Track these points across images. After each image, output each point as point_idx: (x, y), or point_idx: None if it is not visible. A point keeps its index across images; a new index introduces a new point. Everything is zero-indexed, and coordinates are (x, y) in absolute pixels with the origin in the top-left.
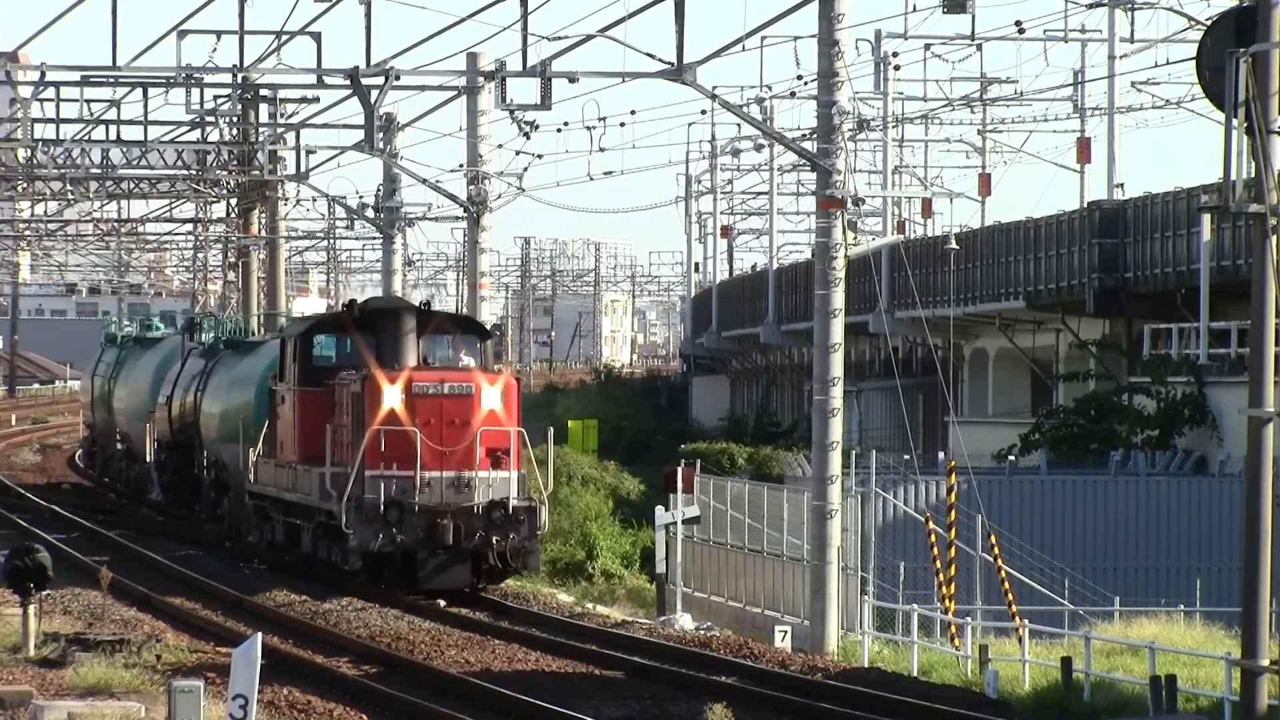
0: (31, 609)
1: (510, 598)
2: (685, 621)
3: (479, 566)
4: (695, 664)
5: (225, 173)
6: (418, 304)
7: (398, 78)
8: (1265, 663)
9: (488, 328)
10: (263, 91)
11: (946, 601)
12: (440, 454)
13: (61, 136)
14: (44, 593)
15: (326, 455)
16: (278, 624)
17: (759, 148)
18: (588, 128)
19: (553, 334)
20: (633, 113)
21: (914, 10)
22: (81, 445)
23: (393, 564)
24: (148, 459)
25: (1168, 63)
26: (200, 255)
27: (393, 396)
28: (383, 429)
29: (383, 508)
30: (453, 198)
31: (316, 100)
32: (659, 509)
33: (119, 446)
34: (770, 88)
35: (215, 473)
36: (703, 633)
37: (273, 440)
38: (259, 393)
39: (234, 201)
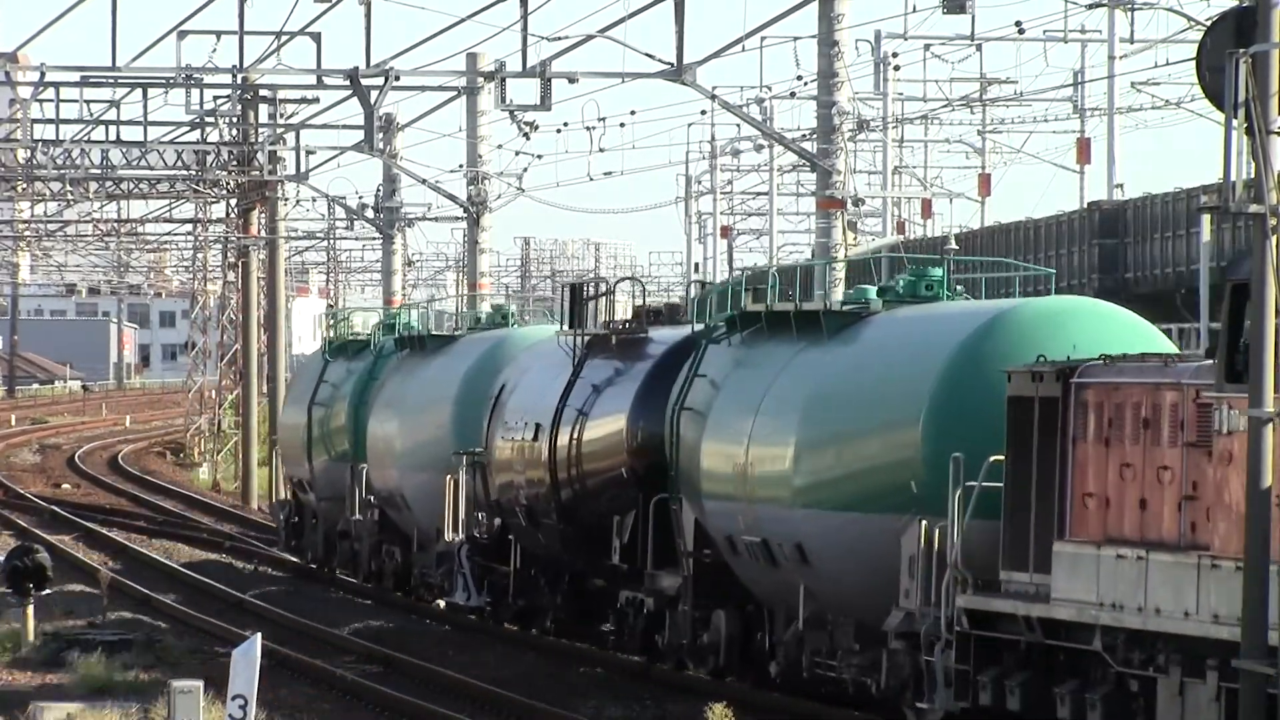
0: (31, 609)
1: None
2: None
3: None
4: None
5: (225, 173)
6: None
7: (397, 78)
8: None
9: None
10: (262, 92)
11: None
12: None
13: (61, 137)
14: (44, 593)
15: None
16: (278, 624)
17: (759, 148)
18: (587, 128)
19: None
20: (633, 113)
21: (914, 11)
22: (278, 509)
23: None
24: (447, 536)
25: (1168, 63)
26: (200, 256)
27: None
28: None
29: None
30: (453, 198)
31: (316, 101)
32: None
33: (366, 516)
34: (770, 88)
35: (707, 557)
36: None
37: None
38: (956, 400)
39: (234, 202)
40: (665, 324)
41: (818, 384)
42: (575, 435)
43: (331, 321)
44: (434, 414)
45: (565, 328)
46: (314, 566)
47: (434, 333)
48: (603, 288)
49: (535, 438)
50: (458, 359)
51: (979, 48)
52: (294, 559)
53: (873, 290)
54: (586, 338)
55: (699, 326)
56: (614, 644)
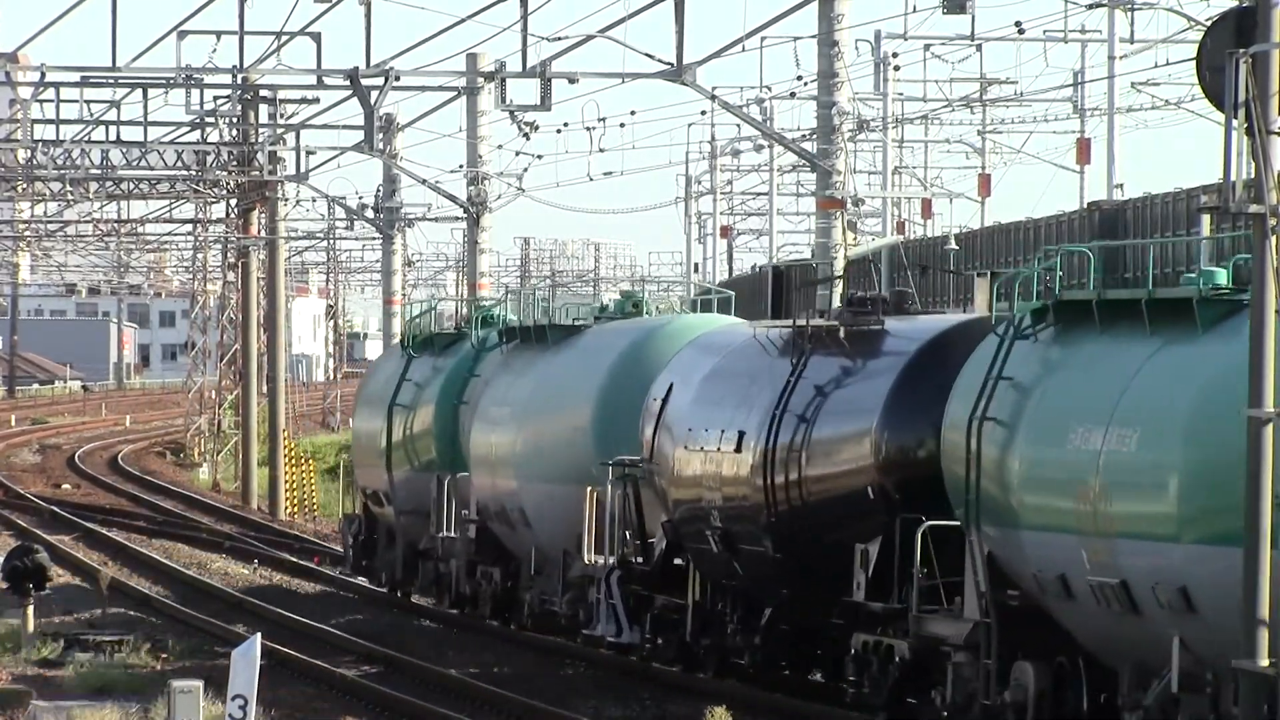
0: (31, 609)
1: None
2: None
3: None
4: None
5: (225, 173)
6: None
7: (398, 78)
8: (1264, 663)
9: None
10: (263, 92)
11: None
12: None
13: (61, 137)
14: (44, 593)
15: None
16: (278, 624)
17: (759, 148)
18: (588, 128)
19: None
20: (633, 113)
21: (914, 11)
22: (346, 526)
23: None
24: (588, 559)
25: (1168, 63)
26: (200, 256)
27: None
28: None
29: None
30: (452, 198)
31: (316, 101)
32: None
33: (461, 533)
34: (770, 88)
35: (1013, 599)
36: None
37: None
38: None
39: (234, 202)
40: (891, 313)
41: (1204, 390)
42: (799, 446)
43: (415, 313)
44: (567, 416)
45: (767, 319)
46: (386, 590)
47: (556, 322)
48: (823, 271)
49: (738, 448)
50: (592, 353)
51: (979, 48)
52: (364, 581)
53: (1222, 273)
54: (806, 331)
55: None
56: (852, 699)
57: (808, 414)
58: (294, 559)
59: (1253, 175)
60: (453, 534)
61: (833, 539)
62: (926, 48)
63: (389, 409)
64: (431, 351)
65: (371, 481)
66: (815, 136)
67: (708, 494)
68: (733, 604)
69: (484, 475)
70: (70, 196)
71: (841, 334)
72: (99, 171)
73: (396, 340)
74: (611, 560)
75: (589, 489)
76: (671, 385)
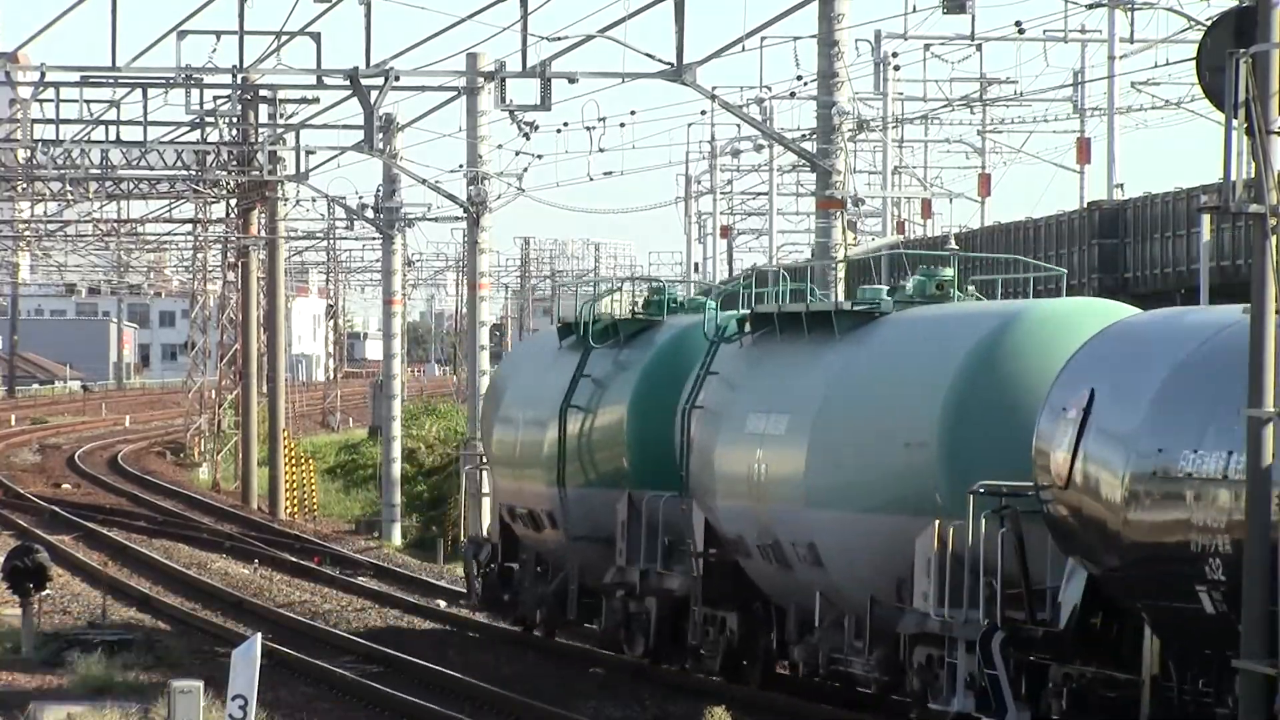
0: (31, 609)
1: None
2: None
3: None
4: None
5: (225, 173)
6: None
7: (397, 78)
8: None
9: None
10: (262, 92)
11: None
12: None
13: (61, 137)
14: (44, 593)
15: None
16: (278, 624)
17: (759, 148)
18: (587, 128)
19: None
20: (632, 113)
21: (914, 11)
22: (471, 550)
23: None
24: (936, 613)
25: (1168, 63)
26: (200, 255)
27: None
28: None
29: None
30: (452, 198)
31: (316, 101)
32: None
33: (682, 567)
34: (770, 88)
35: None
36: None
37: None
38: None
39: (234, 202)
40: None
41: None
42: None
43: (592, 295)
44: (893, 429)
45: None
46: (522, 629)
47: (845, 308)
48: None
49: None
50: (916, 347)
51: (979, 48)
52: (501, 620)
53: None
54: None
55: None
56: None
57: None
58: (294, 559)
59: (1253, 175)
60: (660, 568)
61: None
62: (926, 48)
63: (561, 411)
64: (613, 342)
65: (526, 499)
66: (815, 136)
67: (1198, 536)
68: (1220, 681)
69: (737, 498)
70: (70, 196)
71: None
72: (99, 171)
73: (553, 326)
74: (977, 616)
75: (936, 521)
76: (1093, 390)
